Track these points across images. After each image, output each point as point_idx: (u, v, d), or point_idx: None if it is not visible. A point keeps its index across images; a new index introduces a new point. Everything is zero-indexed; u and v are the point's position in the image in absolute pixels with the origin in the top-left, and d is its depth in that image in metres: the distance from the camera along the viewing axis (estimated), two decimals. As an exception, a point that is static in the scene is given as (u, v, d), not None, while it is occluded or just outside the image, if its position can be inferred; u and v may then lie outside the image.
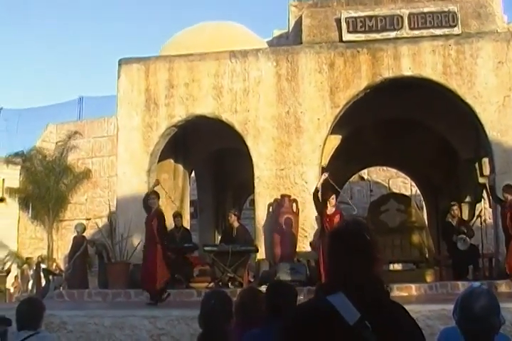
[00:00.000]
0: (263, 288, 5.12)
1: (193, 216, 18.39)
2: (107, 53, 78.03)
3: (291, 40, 16.30)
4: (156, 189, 12.72)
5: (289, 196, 14.07)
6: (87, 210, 28.11)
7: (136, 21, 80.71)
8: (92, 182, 27.40)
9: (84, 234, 16.47)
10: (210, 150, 17.82)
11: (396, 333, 2.58)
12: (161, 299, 11.50)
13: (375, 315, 2.58)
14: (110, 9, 78.79)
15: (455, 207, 14.32)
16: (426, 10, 14.97)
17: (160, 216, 11.68)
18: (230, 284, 13.11)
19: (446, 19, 14.88)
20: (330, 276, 2.82)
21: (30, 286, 23.46)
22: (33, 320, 5.08)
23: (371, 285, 2.68)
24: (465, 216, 16.20)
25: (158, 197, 11.97)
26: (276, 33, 18.45)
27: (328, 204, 12.21)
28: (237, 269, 13.41)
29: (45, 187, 25.29)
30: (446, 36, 14.74)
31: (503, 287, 11.85)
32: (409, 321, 2.71)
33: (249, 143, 14.73)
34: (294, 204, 14.02)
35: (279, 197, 14.14)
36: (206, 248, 13.96)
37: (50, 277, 20.13)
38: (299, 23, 15.85)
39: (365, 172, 24.37)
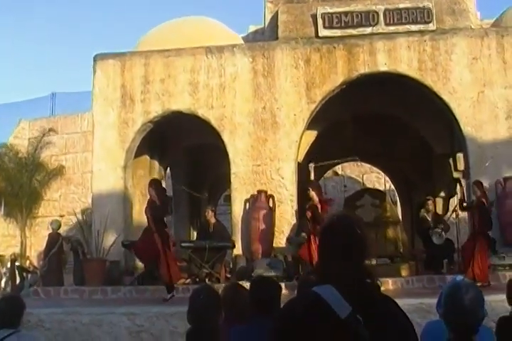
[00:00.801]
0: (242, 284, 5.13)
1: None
2: (79, 49, 77.47)
3: (267, 35, 16.30)
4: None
5: (266, 192, 14.08)
6: (61, 207, 27.86)
7: (110, 16, 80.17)
8: (66, 179, 27.20)
9: (59, 231, 16.34)
10: (185, 146, 17.76)
11: (388, 327, 2.59)
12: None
13: (367, 309, 2.59)
14: (84, 4, 78.18)
15: (430, 202, 14.44)
16: (401, 6, 15.05)
17: (151, 205, 11.46)
18: (207, 280, 13.08)
19: (422, 15, 14.97)
20: (320, 269, 2.82)
21: (3, 284, 23.22)
22: (12, 318, 5.01)
23: (362, 278, 2.69)
24: (439, 210, 16.34)
25: (155, 186, 11.67)
26: (252, 28, 18.47)
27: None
28: (214, 265, 13.43)
29: (18, 184, 25.11)
30: (422, 32, 14.83)
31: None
32: (401, 315, 2.72)
33: (225, 138, 14.71)
34: (271, 200, 14.02)
35: (256, 193, 14.13)
36: (183, 244, 13.92)
37: (25, 274, 19.97)
38: (274, 18, 15.85)
39: (339, 168, 24.47)
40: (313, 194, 12.53)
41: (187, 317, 4.06)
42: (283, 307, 2.83)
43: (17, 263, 22.13)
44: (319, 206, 12.45)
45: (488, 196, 12.64)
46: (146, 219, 11.64)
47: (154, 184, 11.66)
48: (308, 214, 12.40)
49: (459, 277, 4.18)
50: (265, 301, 4.36)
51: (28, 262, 23.90)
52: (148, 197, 11.66)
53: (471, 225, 12.88)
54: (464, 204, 12.97)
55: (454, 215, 14.65)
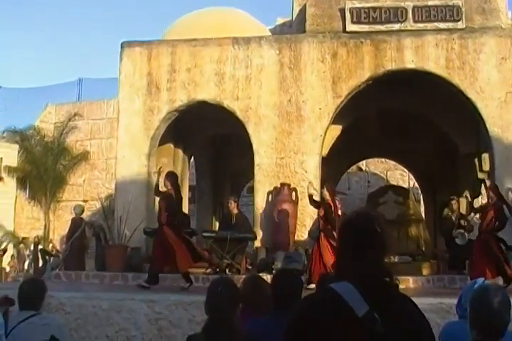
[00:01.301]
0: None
1: (191, 201, 18.40)
2: (106, 36, 77.66)
3: (294, 28, 16.29)
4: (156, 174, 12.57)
5: (289, 185, 14.12)
6: (85, 192, 28.10)
7: (138, 4, 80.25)
8: (90, 164, 27.36)
9: (82, 216, 16.49)
10: (210, 136, 17.83)
11: (405, 326, 2.60)
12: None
13: (384, 308, 2.61)
14: (112, -10, 78.28)
15: (454, 202, 14.37)
16: (430, 3, 14.96)
17: (167, 198, 11.51)
18: (227, 271, 13.17)
19: (451, 13, 14.86)
20: (338, 266, 2.83)
21: (26, 266, 23.49)
22: (35, 300, 5.11)
23: (381, 277, 2.72)
24: (463, 211, 16.25)
25: (171, 178, 11.75)
26: (280, 20, 18.46)
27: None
28: (235, 256, 13.50)
29: (43, 168, 25.30)
30: (450, 30, 14.74)
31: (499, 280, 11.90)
32: (418, 315, 2.72)
33: (250, 130, 14.75)
34: (294, 193, 14.06)
35: (279, 186, 14.17)
36: (205, 234, 14.00)
37: (47, 258, 20.16)
38: (302, 11, 15.82)
39: (363, 164, 24.39)
40: (326, 193, 12.57)
41: (204, 308, 4.09)
42: (300, 303, 2.83)
43: (40, 246, 22.33)
44: (332, 205, 12.50)
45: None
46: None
47: (171, 176, 11.69)
48: (321, 212, 12.44)
49: (480, 279, 4.22)
50: (287, 295, 4.32)
51: (50, 245, 24.12)
52: (165, 189, 11.65)
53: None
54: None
55: (477, 216, 14.58)
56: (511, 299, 3.40)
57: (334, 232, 11.68)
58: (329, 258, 11.76)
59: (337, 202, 12.63)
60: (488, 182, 15.24)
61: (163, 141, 15.81)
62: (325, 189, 12.66)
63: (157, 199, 12.44)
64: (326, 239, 11.87)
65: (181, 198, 11.92)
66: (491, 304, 3.28)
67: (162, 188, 11.78)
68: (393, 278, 2.77)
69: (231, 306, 4.09)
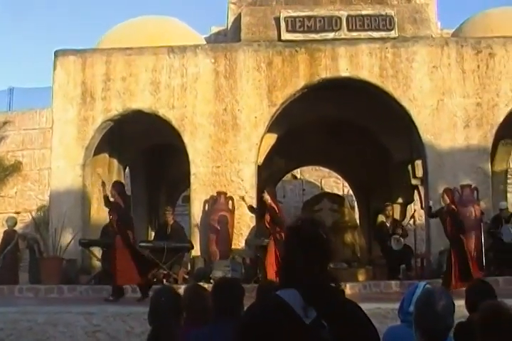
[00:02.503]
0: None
1: (126, 211, 18.16)
2: (38, 44, 76.38)
3: (229, 37, 16.32)
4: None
5: (225, 193, 14.09)
6: (17, 204, 27.41)
7: (72, 12, 79.13)
8: (22, 176, 26.75)
9: (15, 228, 16.11)
10: (145, 146, 17.65)
11: (352, 332, 2.59)
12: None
13: (332, 314, 2.61)
14: (43, -1, 77.08)
15: (389, 208, 14.60)
16: (364, 12, 15.18)
17: (115, 208, 11.40)
18: (164, 281, 13.08)
19: (384, 22, 15.11)
20: (284, 273, 2.80)
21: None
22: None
23: (327, 283, 2.71)
24: (397, 217, 16.51)
25: (118, 189, 11.62)
26: (215, 29, 18.43)
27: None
28: (172, 266, 13.45)
29: (-27, 179, 24.68)
30: (383, 39, 14.98)
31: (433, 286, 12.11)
32: (366, 320, 2.73)
33: (185, 139, 14.68)
34: (230, 202, 14.04)
35: (215, 194, 14.15)
36: (142, 244, 13.87)
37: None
38: (237, 20, 15.86)
39: (297, 172, 24.51)
40: (267, 197, 12.63)
41: (148, 319, 4.05)
42: (246, 311, 2.81)
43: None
44: (276, 207, 12.56)
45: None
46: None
47: (117, 186, 11.63)
48: (267, 217, 12.46)
49: (421, 283, 4.26)
50: (228, 304, 4.33)
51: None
52: (112, 199, 11.53)
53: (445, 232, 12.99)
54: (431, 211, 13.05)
55: (411, 222, 14.88)
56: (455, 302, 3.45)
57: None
58: (273, 263, 11.83)
59: (279, 205, 12.73)
60: (421, 189, 15.55)
61: (98, 151, 15.61)
62: (265, 193, 12.71)
63: (95, 209, 12.33)
64: (277, 243, 11.94)
65: (129, 207, 11.83)
66: (435, 307, 3.31)
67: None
68: (340, 284, 2.77)
69: (174, 316, 4.06)
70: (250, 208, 12.89)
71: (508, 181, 20.22)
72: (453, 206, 12.38)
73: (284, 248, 2.87)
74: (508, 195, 19.23)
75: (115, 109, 14.93)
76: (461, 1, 52.23)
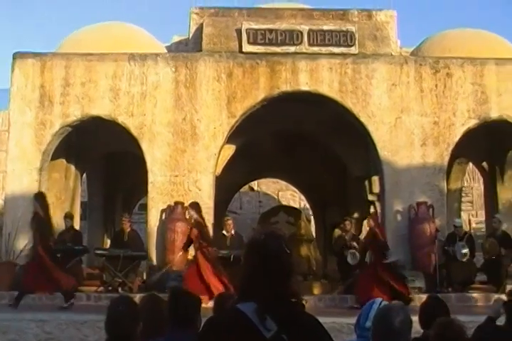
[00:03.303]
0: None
1: (82, 218, 17.99)
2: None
3: (190, 47, 16.29)
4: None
5: (183, 203, 14.01)
6: (-30, 207, 26.92)
7: (32, 15, 78.20)
8: (-24, 178, 26.29)
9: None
10: (103, 152, 17.51)
11: None
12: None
13: (292, 328, 2.62)
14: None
15: (347, 222, 14.67)
16: (325, 28, 15.29)
17: (37, 219, 11.51)
18: (120, 289, 12.98)
19: (345, 38, 15.24)
20: (245, 286, 2.80)
21: None
22: None
23: (288, 297, 2.72)
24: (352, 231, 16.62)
25: (40, 200, 11.69)
26: (176, 38, 18.37)
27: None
28: (128, 274, 13.33)
29: None
30: (344, 55, 15.11)
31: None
32: (325, 335, 2.77)
33: (144, 147, 14.60)
34: (187, 212, 13.99)
35: (172, 204, 14.07)
36: (97, 251, 13.75)
37: None
38: (199, 30, 15.85)
39: (255, 184, 24.57)
40: (193, 213, 12.76)
41: (105, 327, 4.00)
42: (206, 324, 2.79)
43: None
44: (202, 222, 12.70)
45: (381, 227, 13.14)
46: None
47: (38, 198, 11.70)
48: (194, 232, 12.58)
49: (378, 299, 4.30)
50: (184, 315, 4.31)
51: None
52: (33, 210, 11.61)
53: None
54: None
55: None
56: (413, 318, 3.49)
57: (210, 249, 12.27)
58: (212, 278, 11.88)
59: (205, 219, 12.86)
60: (377, 205, 15.69)
61: (55, 156, 15.40)
62: (190, 209, 12.82)
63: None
64: (205, 258, 12.04)
65: (50, 218, 11.84)
66: (393, 323, 3.35)
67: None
68: (300, 298, 2.78)
69: (132, 325, 4.01)
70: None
71: (463, 199, 20.59)
72: (376, 229, 12.67)
73: (244, 261, 2.86)
74: (462, 213, 19.56)
75: (73, 115, 14.76)
76: (420, 20, 53.13)
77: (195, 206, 13.21)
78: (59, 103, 14.78)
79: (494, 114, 15.08)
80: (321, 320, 2.88)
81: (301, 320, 2.73)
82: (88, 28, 16.63)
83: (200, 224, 12.70)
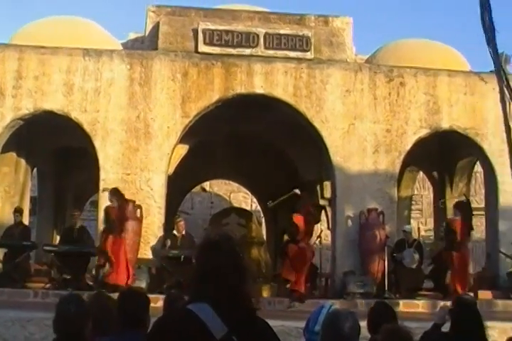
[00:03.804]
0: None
1: (31, 213, 17.72)
2: None
3: (146, 44, 16.16)
4: None
5: (134, 201, 13.91)
6: None
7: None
8: None
9: None
10: (55, 148, 17.27)
11: None
12: None
13: (242, 330, 2.64)
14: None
15: None
16: (282, 32, 15.34)
17: None
18: (68, 286, 12.80)
19: (301, 43, 15.31)
20: (197, 287, 2.81)
21: None
22: None
23: (240, 300, 2.73)
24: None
25: None
26: (132, 35, 18.22)
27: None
28: (77, 271, 13.15)
29: None
30: (299, 59, 15.18)
31: (337, 306, 12.31)
32: (274, 337, 2.81)
33: (96, 144, 14.43)
34: (138, 211, 13.88)
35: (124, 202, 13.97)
36: (46, 247, 13.57)
37: None
38: (155, 28, 15.74)
39: (207, 184, 24.54)
40: (114, 200, 13.00)
41: (53, 326, 3.95)
42: (156, 324, 2.80)
43: None
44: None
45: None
46: (8, 218, 11.34)
47: None
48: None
49: (327, 303, 4.35)
50: (134, 314, 4.29)
51: None
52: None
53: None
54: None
55: (318, 241, 15.09)
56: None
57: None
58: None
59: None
60: (328, 210, 15.82)
61: (5, 149, 15.12)
62: (111, 196, 13.12)
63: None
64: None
65: None
66: (342, 328, 3.40)
67: None
68: (252, 301, 2.80)
69: (81, 324, 3.98)
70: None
71: (412, 207, 20.90)
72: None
73: (197, 261, 2.87)
74: (412, 220, 19.85)
75: (26, 108, 14.50)
76: (376, 28, 53.77)
77: (116, 192, 13.10)
78: (11, 96, 14.50)
79: (445, 125, 15.34)
80: (270, 323, 2.91)
81: (252, 322, 2.75)
82: (42, 21, 16.39)
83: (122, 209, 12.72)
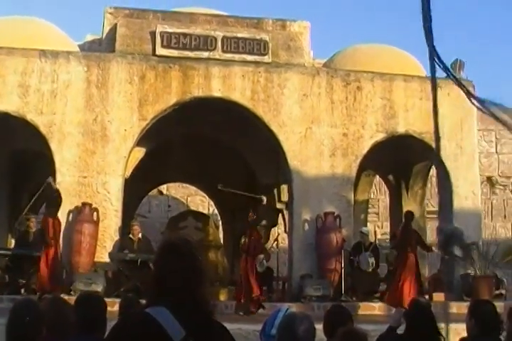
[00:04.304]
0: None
1: (-16, 217, 17.48)
2: None
3: (103, 47, 16.06)
4: None
5: (91, 204, 13.85)
6: None
7: None
8: None
9: None
10: (9, 150, 17.02)
11: None
12: None
13: (200, 334, 2.66)
14: None
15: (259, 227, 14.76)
16: (239, 35, 15.39)
17: None
18: (22, 291, 12.72)
19: (258, 47, 15.37)
20: (154, 291, 2.83)
21: None
22: None
23: (198, 303, 2.75)
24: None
25: None
26: (90, 37, 18.09)
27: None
28: (31, 275, 13.00)
29: None
30: (257, 63, 15.24)
31: (294, 309, 12.36)
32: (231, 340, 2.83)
33: (53, 146, 14.30)
34: (95, 214, 13.82)
35: (80, 205, 13.87)
36: (0, 251, 13.39)
37: None
38: (113, 30, 15.66)
39: (164, 187, 24.43)
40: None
41: (6, 331, 3.90)
42: (114, 328, 2.81)
43: None
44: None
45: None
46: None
47: None
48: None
49: (284, 307, 4.39)
50: (91, 319, 4.29)
51: None
52: None
53: None
54: None
55: (274, 244, 15.15)
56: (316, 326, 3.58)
57: None
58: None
59: None
60: (285, 213, 15.86)
61: (-43, 151, 14.91)
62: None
63: None
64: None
65: None
66: (297, 331, 3.44)
67: None
68: (210, 304, 2.82)
69: (35, 329, 3.93)
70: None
71: (369, 211, 21.08)
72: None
73: (155, 265, 2.89)
74: (368, 224, 20.01)
75: (-21, 109, 14.32)
76: (333, 33, 54.12)
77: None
78: (-36, 97, 14.31)
79: (401, 129, 15.53)
80: (227, 326, 2.93)
81: (210, 325, 2.77)
82: (-3, 21, 16.16)
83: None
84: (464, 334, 4.97)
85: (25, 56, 14.63)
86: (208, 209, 23.91)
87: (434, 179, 20.98)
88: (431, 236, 16.44)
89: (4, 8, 56.62)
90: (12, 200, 18.54)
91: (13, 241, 16.90)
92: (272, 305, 12.56)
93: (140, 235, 14.26)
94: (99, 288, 12.28)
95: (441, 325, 5.34)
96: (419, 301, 5.83)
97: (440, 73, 3.26)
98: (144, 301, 2.96)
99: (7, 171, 18.39)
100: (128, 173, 15.29)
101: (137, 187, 16.76)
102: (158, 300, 2.72)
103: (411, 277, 12.92)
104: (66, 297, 7.97)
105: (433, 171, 18.32)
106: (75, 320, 4.32)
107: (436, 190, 20.42)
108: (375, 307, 13.20)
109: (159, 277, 2.79)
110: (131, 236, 14.21)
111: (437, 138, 5.33)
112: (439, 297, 13.84)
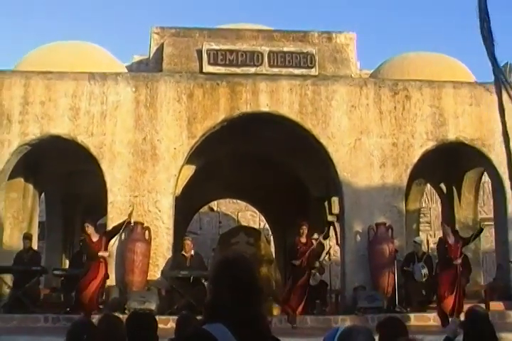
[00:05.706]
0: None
1: (40, 238, 17.75)
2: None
3: (151, 66, 16.27)
4: None
5: (142, 223, 13.95)
6: None
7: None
8: None
9: None
10: (62, 172, 17.34)
11: None
12: None
13: None
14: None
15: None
16: (286, 49, 15.40)
17: None
18: (68, 309, 12.77)
19: (305, 60, 15.34)
20: (211, 307, 2.80)
21: None
22: None
23: (256, 320, 2.72)
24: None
25: None
26: (137, 58, 18.36)
27: None
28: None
29: None
30: (304, 76, 15.20)
31: (347, 321, 12.26)
32: None
33: (103, 167, 14.47)
34: (147, 232, 13.90)
35: (132, 224, 13.97)
36: (55, 272, 13.54)
37: None
38: (160, 50, 15.84)
39: (214, 204, 24.54)
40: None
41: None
42: None
43: None
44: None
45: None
46: (17, 244, 11.31)
47: None
48: None
49: (342, 326, 4.33)
50: (141, 336, 4.31)
51: None
52: None
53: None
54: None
55: (327, 257, 15.03)
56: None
57: None
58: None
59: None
60: (337, 225, 15.75)
61: (13, 175, 15.19)
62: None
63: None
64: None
65: None
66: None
67: None
68: (266, 320, 2.79)
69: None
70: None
71: (421, 220, 20.82)
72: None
73: (213, 281, 2.86)
74: (421, 233, 19.76)
75: (32, 134, 14.58)
76: (379, 43, 53.97)
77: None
78: (17, 122, 14.59)
79: (451, 136, 15.31)
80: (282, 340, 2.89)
81: None
82: (47, 47, 16.54)
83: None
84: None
85: (75, 79, 14.87)
86: (259, 223, 23.92)
87: (486, 185, 20.65)
88: (485, 243, 16.13)
89: (52, 34, 57.92)
90: (65, 222, 18.84)
91: (67, 262, 17.14)
92: (325, 319, 12.48)
93: (192, 252, 14.25)
94: (152, 306, 12.32)
95: (501, 335, 5.21)
96: (476, 311, 5.68)
97: (489, 78, 3.19)
98: (199, 318, 2.94)
99: (61, 193, 18.73)
100: (178, 191, 15.37)
101: (188, 204, 16.86)
102: (215, 317, 2.70)
103: (453, 288, 12.63)
104: (121, 316, 8.04)
105: (485, 178, 18.03)
106: (127, 338, 4.34)
107: (489, 196, 20.05)
108: (429, 318, 12.95)
109: (216, 293, 2.77)
110: (183, 252, 14.22)
111: (507, 146, 5.17)
112: (496, 306, 13.54)
